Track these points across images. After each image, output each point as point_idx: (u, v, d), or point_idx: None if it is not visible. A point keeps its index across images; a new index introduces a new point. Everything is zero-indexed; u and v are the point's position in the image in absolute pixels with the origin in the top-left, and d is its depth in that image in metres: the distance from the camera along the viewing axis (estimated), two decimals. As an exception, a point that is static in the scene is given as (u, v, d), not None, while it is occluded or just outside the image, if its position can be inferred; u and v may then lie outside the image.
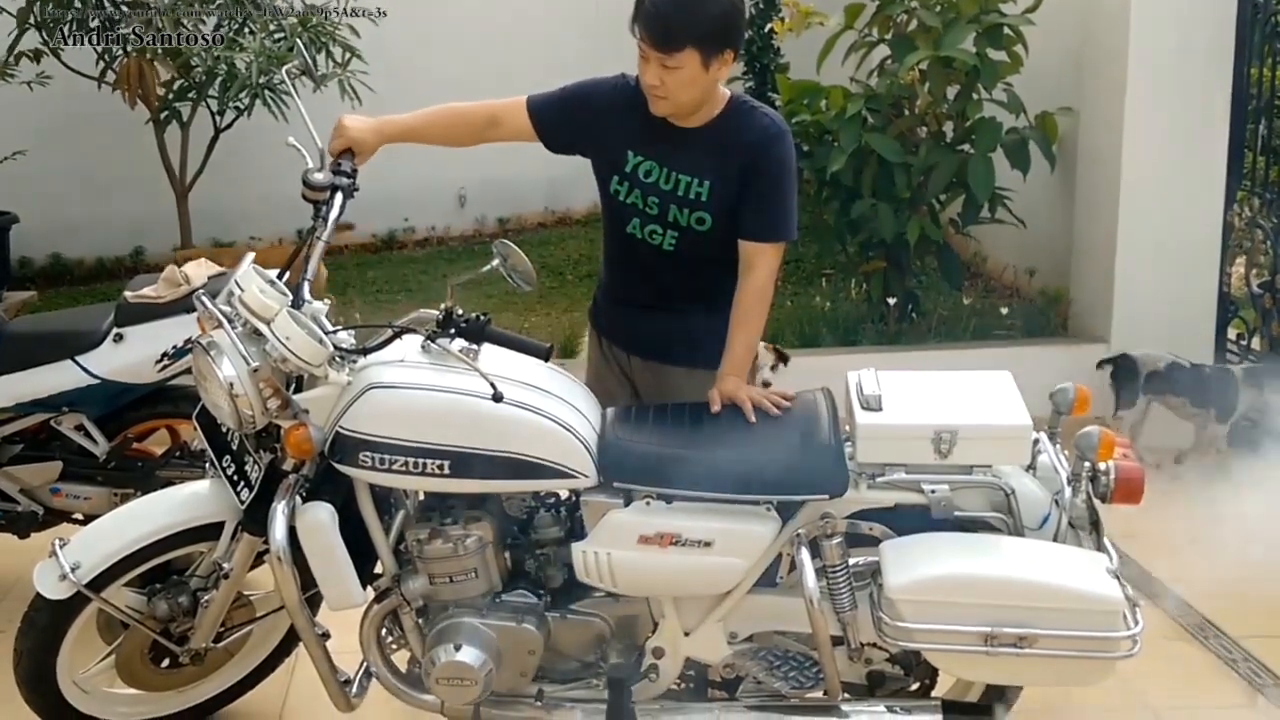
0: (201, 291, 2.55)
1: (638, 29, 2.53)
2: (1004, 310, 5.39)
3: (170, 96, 5.73)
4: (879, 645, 2.47)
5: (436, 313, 2.41)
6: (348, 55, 5.83)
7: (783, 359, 4.21)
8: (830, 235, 5.53)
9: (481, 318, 2.39)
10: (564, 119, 2.75)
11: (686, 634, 2.52)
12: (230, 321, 2.36)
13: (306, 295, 2.44)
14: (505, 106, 2.78)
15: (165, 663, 2.77)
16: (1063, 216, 5.37)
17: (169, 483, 3.30)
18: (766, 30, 6.87)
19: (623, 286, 2.89)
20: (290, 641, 2.90)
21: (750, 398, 2.55)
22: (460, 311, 2.40)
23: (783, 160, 2.66)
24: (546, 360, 2.45)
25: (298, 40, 5.20)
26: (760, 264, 2.66)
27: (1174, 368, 4.48)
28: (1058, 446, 2.50)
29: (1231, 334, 4.96)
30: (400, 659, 2.63)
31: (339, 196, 2.55)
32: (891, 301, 5.25)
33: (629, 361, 2.91)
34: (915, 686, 2.58)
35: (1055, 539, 2.37)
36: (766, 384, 3.66)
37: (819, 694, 2.52)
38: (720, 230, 2.68)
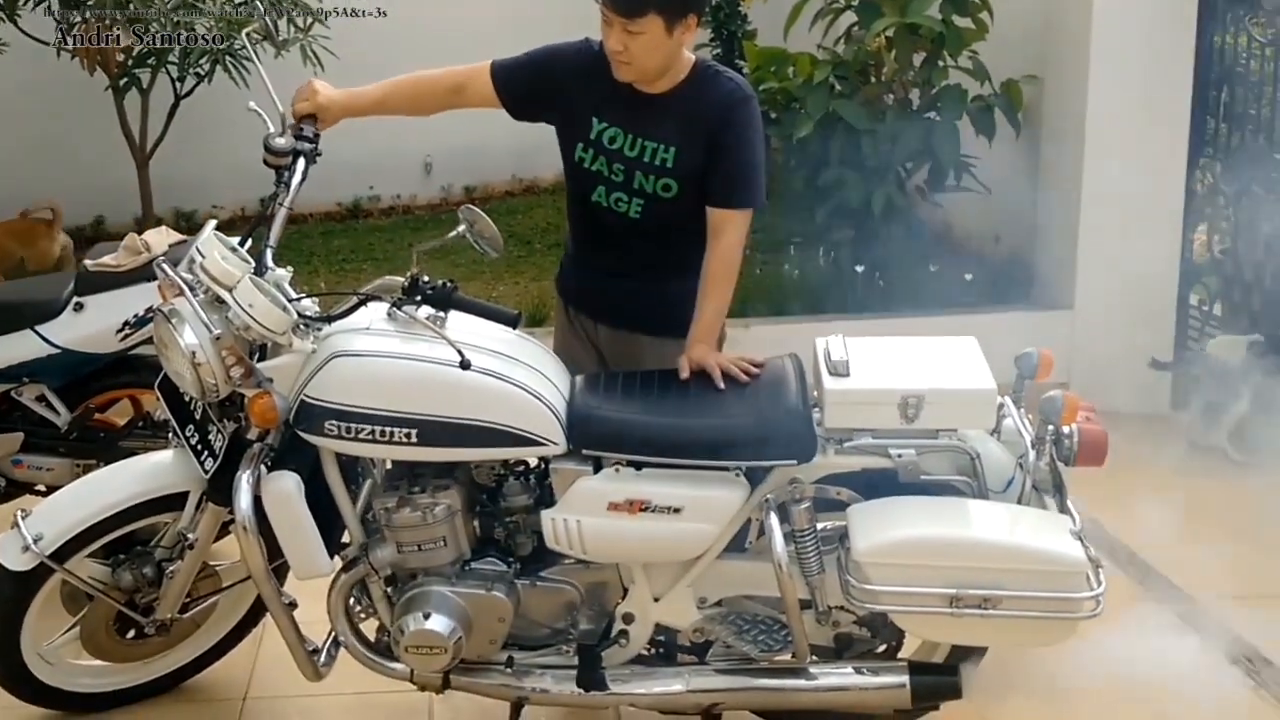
0: (162, 259, 2.52)
1: None
2: (969, 277, 5.42)
3: (130, 63, 5.63)
4: (846, 608, 2.49)
5: (402, 280, 2.39)
6: (309, 20, 5.74)
7: None
8: (798, 203, 5.53)
9: (448, 284, 2.37)
10: (528, 85, 2.73)
11: (656, 599, 2.53)
12: (192, 289, 2.34)
13: (269, 262, 2.42)
14: (469, 73, 2.76)
15: (131, 634, 2.76)
16: (1028, 184, 5.38)
17: (132, 453, 3.25)
18: (734, -3, 6.84)
19: (589, 255, 2.88)
20: (257, 612, 2.89)
21: (719, 364, 2.55)
22: (427, 279, 2.38)
23: (748, 125, 2.65)
24: (514, 327, 2.44)
25: (257, 3, 5.11)
26: (728, 231, 2.65)
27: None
28: (1022, 411, 2.53)
29: (1193, 300, 5.00)
30: (369, 628, 2.62)
31: (301, 162, 2.53)
32: (859, 269, 5.26)
33: (596, 330, 2.90)
34: (882, 649, 2.61)
35: (1020, 502, 2.40)
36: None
37: (787, 657, 2.54)
38: (686, 197, 2.67)
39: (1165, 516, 3.92)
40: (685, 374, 2.56)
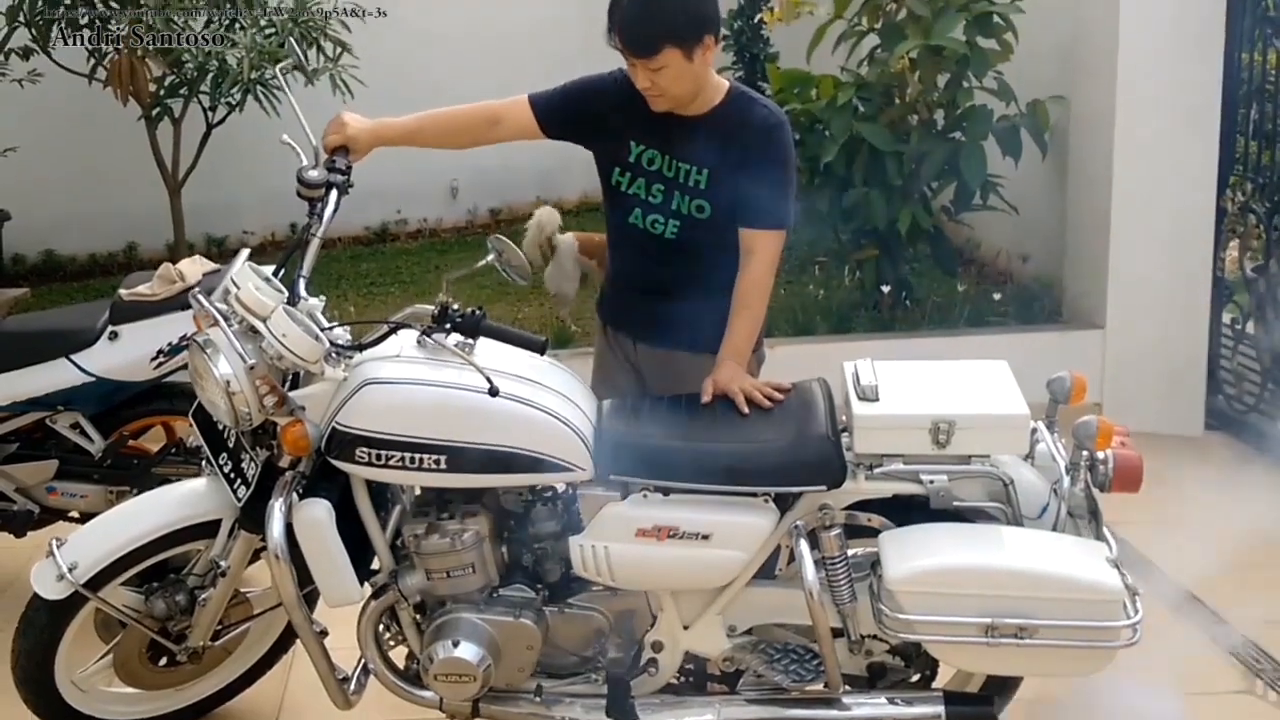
0: (197, 289, 2.54)
1: (614, 40, 2.58)
2: (997, 296, 5.39)
3: (162, 93, 5.70)
4: (879, 637, 2.47)
5: (432, 308, 2.41)
6: (339, 50, 5.80)
7: None
8: (823, 223, 5.52)
9: (476, 312, 2.38)
10: (566, 116, 2.80)
11: (685, 627, 2.52)
12: (226, 319, 2.35)
13: (302, 292, 2.43)
14: (506, 106, 2.81)
15: (163, 661, 2.76)
16: (1055, 202, 5.36)
17: (165, 480, 3.29)
18: (756, 20, 6.86)
19: (628, 275, 2.92)
20: (288, 638, 2.90)
21: (743, 389, 2.55)
22: (456, 306, 2.39)
23: (780, 150, 2.70)
24: (542, 354, 2.44)
25: (289, 38, 5.17)
26: (759, 252, 2.69)
27: None
28: (1055, 435, 2.51)
29: (1226, 318, 4.96)
30: (398, 655, 2.63)
31: (334, 194, 2.55)
32: (885, 289, 5.25)
33: (635, 350, 2.93)
34: (916, 678, 2.58)
35: (1054, 528, 2.38)
36: None
37: (819, 687, 2.52)
38: (720, 218, 2.71)
39: (1200, 539, 3.88)
40: (707, 397, 2.57)
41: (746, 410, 2.52)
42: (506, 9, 7.82)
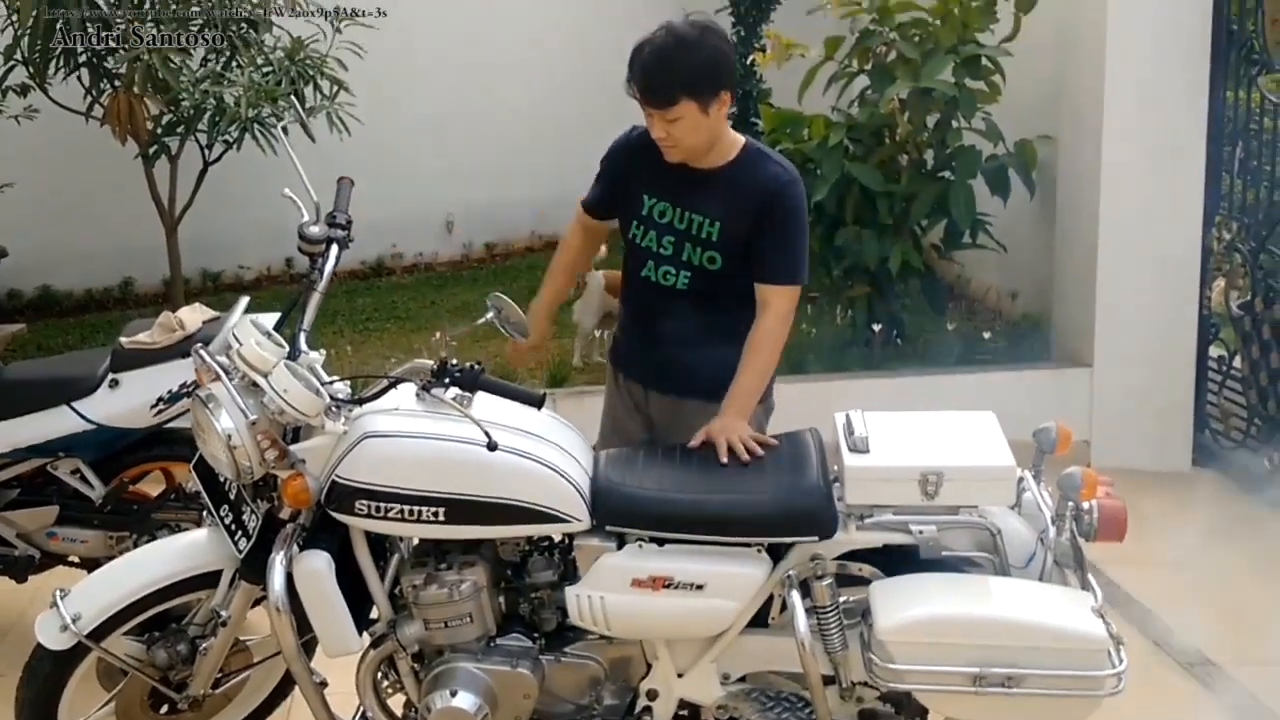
0: (198, 340, 2.58)
1: (633, 91, 2.68)
2: (986, 335, 5.45)
3: (159, 131, 5.75)
4: (870, 684, 2.50)
5: (432, 363, 2.45)
6: (335, 88, 5.86)
7: None
8: (815, 262, 5.57)
9: (475, 366, 2.43)
10: (602, 197, 2.98)
11: (680, 675, 2.56)
12: (228, 374, 2.39)
13: (303, 346, 2.48)
14: (578, 225, 3.08)
15: (164, 709, 2.78)
16: (1044, 240, 5.43)
17: (164, 525, 3.34)
18: (749, 61, 6.94)
19: (640, 325, 3.00)
20: (287, 684, 2.92)
21: (730, 440, 2.60)
22: (455, 361, 2.43)
23: (792, 206, 2.78)
24: (539, 408, 2.49)
25: (294, 102, 5.25)
26: (773, 305, 2.78)
27: None
28: (1041, 484, 2.55)
29: (1213, 355, 5.02)
30: (396, 704, 2.66)
31: (334, 248, 2.60)
32: (876, 327, 5.31)
33: (646, 398, 3.00)
34: (906, 724, 2.62)
35: (1041, 578, 2.42)
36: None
37: (812, 733, 2.55)
38: (730, 269, 2.80)
39: (1186, 576, 3.92)
40: (695, 442, 2.63)
41: (724, 459, 2.58)
42: (506, 9, 7.88)
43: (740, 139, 2.84)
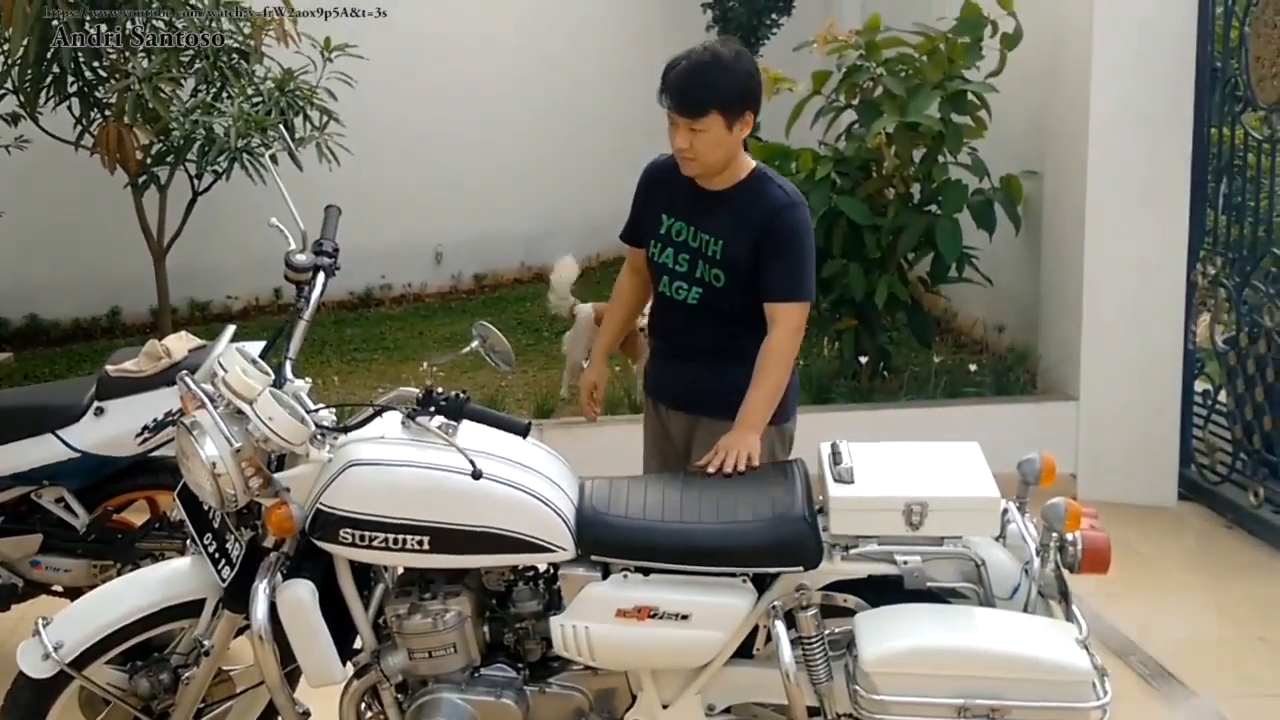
0: (184, 368, 2.58)
1: (666, 99, 2.80)
2: (973, 367, 5.48)
3: (149, 161, 5.77)
4: (855, 716, 2.49)
5: (417, 391, 2.45)
6: (325, 119, 5.89)
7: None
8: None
9: (460, 395, 2.43)
10: (634, 223, 3.12)
11: (665, 706, 2.55)
12: (213, 401, 2.39)
13: (288, 374, 2.48)
14: (629, 260, 3.22)
15: (146, 739, 2.76)
16: (1030, 274, 5.47)
17: (149, 554, 3.32)
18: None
19: (663, 344, 3.14)
20: (270, 715, 2.89)
21: (727, 459, 2.66)
22: (440, 390, 2.44)
23: (794, 228, 2.89)
24: (524, 437, 2.49)
25: (282, 131, 5.27)
26: (780, 322, 2.87)
27: None
28: (1026, 516, 2.56)
29: (1198, 390, 5.04)
30: (380, 734, 2.64)
31: (321, 276, 2.60)
32: (863, 359, 5.33)
33: (667, 415, 3.10)
34: (891, 755, 2.61)
35: (1025, 609, 2.42)
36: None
37: (797, 765, 2.54)
38: (734, 287, 2.90)
39: (1171, 610, 3.92)
40: (705, 460, 2.69)
41: (712, 470, 2.65)
42: (497, 44, 7.93)
43: (751, 163, 2.95)
